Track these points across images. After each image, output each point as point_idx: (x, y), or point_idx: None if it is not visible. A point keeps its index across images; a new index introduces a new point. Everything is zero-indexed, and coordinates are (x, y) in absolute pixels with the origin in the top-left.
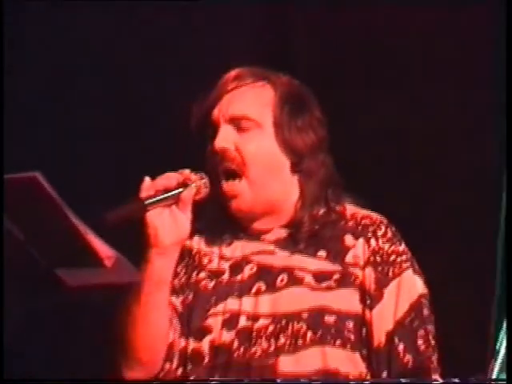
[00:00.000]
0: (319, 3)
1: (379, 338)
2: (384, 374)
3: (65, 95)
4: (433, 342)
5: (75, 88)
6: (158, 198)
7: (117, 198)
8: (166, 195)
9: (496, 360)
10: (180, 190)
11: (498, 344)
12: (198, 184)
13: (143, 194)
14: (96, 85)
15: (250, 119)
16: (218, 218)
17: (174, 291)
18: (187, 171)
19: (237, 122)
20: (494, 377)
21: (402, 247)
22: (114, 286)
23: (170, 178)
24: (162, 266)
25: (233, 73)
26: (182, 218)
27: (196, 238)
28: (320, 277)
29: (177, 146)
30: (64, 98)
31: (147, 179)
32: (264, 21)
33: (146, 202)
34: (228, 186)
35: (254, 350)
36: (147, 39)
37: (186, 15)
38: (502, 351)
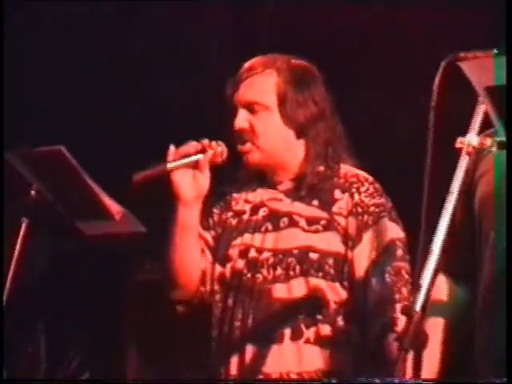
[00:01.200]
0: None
1: (358, 272)
2: (360, 302)
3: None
4: (406, 277)
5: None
6: (180, 162)
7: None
8: (184, 161)
9: (419, 293)
10: (199, 156)
11: (422, 280)
12: (215, 150)
13: (168, 158)
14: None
15: (259, 104)
16: (246, 173)
17: (208, 228)
18: (206, 140)
19: (250, 107)
20: (416, 307)
21: (382, 200)
22: (121, 235)
23: (190, 146)
24: (185, 215)
25: (248, 63)
26: (201, 178)
27: (232, 187)
28: (310, 221)
29: (197, 121)
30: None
31: (172, 147)
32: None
33: (169, 165)
34: (242, 147)
35: (257, 276)
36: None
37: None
38: (425, 287)
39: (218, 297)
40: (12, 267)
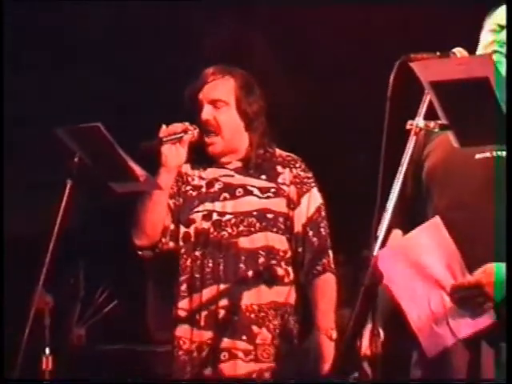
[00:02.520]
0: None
1: (297, 227)
2: (300, 249)
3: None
4: (328, 231)
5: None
6: (169, 138)
7: (148, 137)
8: (173, 136)
9: (376, 242)
10: (182, 134)
11: (378, 232)
12: (193, 132)
13: (161, 134)
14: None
15: (222, 100)
16: (199, 155)
17: (171, 197)
18: (187, 123)
19: (214, 103)
20: (374, 252)
21: (310, 174)
22: (143, 192)
23: (176, 127)
24: (166, 179)
25: (210, 69)
26: (182, 152)
27: (185, 165)
28: (263, 190)
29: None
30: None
31: (164, 126)
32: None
33: (163, 139)
34: (208, 139)
35: (223, 233)
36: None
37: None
38: (381, 237)
39: (183, 251)
40: (59, 217)
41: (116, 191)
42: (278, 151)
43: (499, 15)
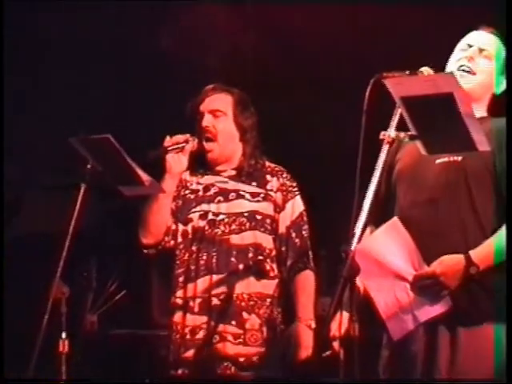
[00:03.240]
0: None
1: (282, 229)
2: (283, 248)
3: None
4: (308, 233)
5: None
6: (173, 147)
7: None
8: (176, 146)
9: (354, 239)
10: (184, 144)
11: (355, 230)
12: (193, 142)
13: (165, 144)
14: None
15: (221, 111)
16: (198, 164)
17: (172, 199)
18: (188, 135)
19: (213, 113)
20: (352, 247)
21: (295, 184)
22: (148, 195)
23: (179, 137)
24: (170, 184)
25: (211, 86)
26: (183, 160)
27: (185, 173)
28: (253, 195)
29: (183, 124)
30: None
31: (168, 137)
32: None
33: (167, 148)
34: (206, 145)
35: (216, 231)
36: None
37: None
38: (358, 233)
39: (181, 246)
40: (74, 217)
41: (124, 194)
42: (268, 163)
43: (470, 36)
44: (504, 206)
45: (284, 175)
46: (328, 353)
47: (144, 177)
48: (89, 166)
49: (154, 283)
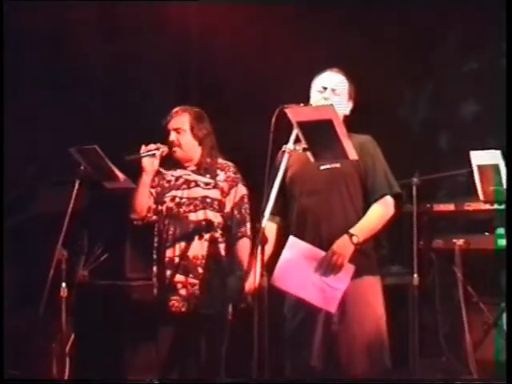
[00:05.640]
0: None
1: (227, 208)
2: (228, 222)
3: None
4: (248, 211)
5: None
6: (146, 154)
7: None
8: (149, 153)
9: (263, 219)
10: (155, 152)
11: (264, 213)
12: (163, 149)
13: (141, 151)
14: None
15: (181, 128)
16: (171, 163)
17: (153, 187)
18: (159, 144)
19: (177, 130)
20: (262, 225)
21: (238, 175)
22: (123, 189)
23: (151, 146)
24: (145, 179)
25: (175, 109)
26: (155, 162)
27: (163, 169)
28: (206, 184)
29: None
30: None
31: (143, 146)
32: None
33: (142, 154)
34: (174, 152)
35: (180, 210)
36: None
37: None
38: (266, 216)
39: (160, 221)
40: (71, 203)
41: (106, 187)
42: (220, 160)
43: (322, 79)
44: (366, 196)
45: (230, 169)
46: (243, 305)
47: (120, 175)
48: (81, 168)
49: (128, 249)
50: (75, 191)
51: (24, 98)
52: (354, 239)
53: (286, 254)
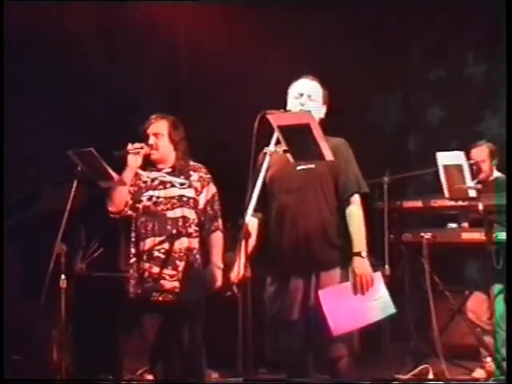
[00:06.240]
0: None
1: (201, 205)
2: (202, 218)
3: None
4: (219, 207)
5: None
6: (132, 151)
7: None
8: (134, 150)
9: (246, 215)
10: (139, 150)
11: (248, 210)
12: (145, 148)
13: (127, 148)
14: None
15: (160, 133)
16: (148, 165)
17: (131, 185)
18: (143, 143)
19: (156, 135)
20: (246, 221)
21: (209, 176)
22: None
23: (136, 145)
24: (128, 174)
25: (153, 116)
26: (139, 159)
27: (140, 170)
28: (181, 184)
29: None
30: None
31: (129, 144)
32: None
33: (129, 151)
34: (152, 154)
35: (158, 208)
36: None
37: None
38: (249, 212)
39: (135, 217)
40: (70, 201)
41: (101, 186)
42: (192, 163)
43: (298, 86)
44: (338, 194)
45: (202, 170)
46: (229, 293)
47: (114, 175)
48: (79, 168)
49: (121, 244)
50: (73, 190)
51: (24, 98)
52: (363, 254)
53: (325, 306)
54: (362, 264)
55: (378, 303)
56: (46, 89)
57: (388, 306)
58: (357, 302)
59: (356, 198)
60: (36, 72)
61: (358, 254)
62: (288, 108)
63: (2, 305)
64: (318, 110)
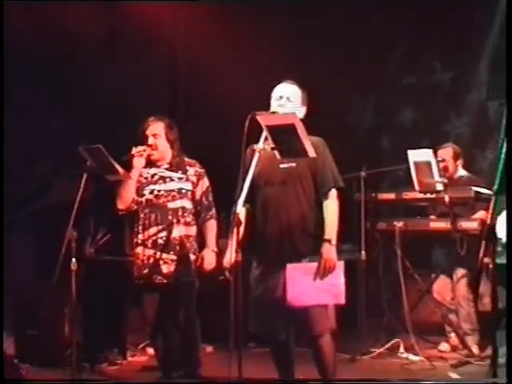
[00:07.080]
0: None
1: (197, 197)
2: (198, 208)
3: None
4: (212, 198)
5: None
6: (136, 154)
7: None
8: (138, 153)
9: (236, 206)
10: (142, 152)
11: (237, 201)
12: (148, 150)
13: (132, 152)
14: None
15: (158, 134)
16: (148, 163)
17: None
18: (145, 146)
19: (154, 136)
20: (236, 210)
21: (203, 170)
22: (123, 180)
23: (139, 148)
24: (135, 173)
25: (151, 118)
26: (142, 161)
27: (143, 169)
28: (180, 179)
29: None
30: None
31: (134, 148)
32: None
33: (134, 154)
34: (151, 153)
35: (159, 201)
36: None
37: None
38: (240, 203)
39: (139, 210)
40: (80, 193)
41: (109, 180)
42: (187, 159)
43: (279, 89)
44: (317, 189)
45: (197, 165)
46: (222, 277)
47: (120, 170)
48: (88, 163)
49: (125, 231)
50: (83, 183)
51: (24, 98)
52: (333, 242)
53: (289, 278)
54: (329, 250)
55: (334, 289)
56: (45, 89)
57: (339, 296)
58: (317, 282)
59: (333, 192)
60: (36, 72)
61: (328, 241)
62: (271, 109)
63: (2, 305)
64: (297, 111)
